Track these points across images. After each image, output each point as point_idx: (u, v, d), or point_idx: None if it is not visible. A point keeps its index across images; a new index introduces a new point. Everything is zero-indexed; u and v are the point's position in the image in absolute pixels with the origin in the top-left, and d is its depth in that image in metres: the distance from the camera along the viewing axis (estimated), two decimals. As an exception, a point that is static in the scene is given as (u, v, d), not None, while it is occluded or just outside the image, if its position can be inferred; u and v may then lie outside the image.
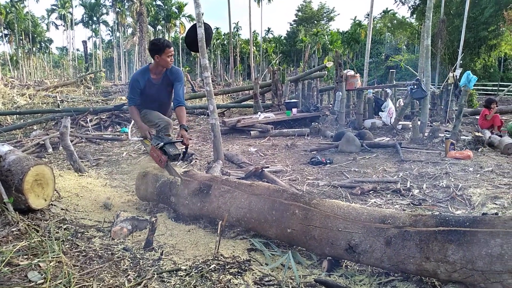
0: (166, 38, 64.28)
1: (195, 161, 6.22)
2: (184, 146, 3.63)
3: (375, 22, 54.10)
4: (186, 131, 3.65)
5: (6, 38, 60.83)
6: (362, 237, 2.30)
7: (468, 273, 1.95)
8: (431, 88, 10.78)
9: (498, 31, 30.53)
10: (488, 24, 30.32)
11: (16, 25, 56.79)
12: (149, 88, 3.89)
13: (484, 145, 6.94)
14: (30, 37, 60.37)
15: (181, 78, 3.93)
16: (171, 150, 3.41)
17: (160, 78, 3.88)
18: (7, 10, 57.04)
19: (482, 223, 2.02)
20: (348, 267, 2.60)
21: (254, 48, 55.92)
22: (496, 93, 25.15)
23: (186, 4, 61.02)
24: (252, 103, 12.79)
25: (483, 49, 32.45)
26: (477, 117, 10.21)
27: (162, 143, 3.40)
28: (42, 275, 2.22)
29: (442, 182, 4.77)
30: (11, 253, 2.40)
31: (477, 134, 7.38)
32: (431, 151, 6.70)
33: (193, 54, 62.22)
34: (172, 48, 3.76)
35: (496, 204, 3.90)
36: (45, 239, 2.67)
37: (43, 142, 7.34)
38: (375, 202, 4.16)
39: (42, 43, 68.79)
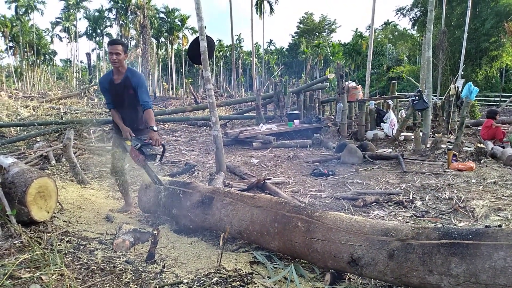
0: (169, 50, 65.08)
1: (197, 173, 6.23)
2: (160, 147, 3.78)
3: (376, 33, 54.41)
4: (156, 132, 3.74)
5: (11, 50, 61.48)
6: (365, 250, 2.29)
7: (472, 286, 1.93)
8: (433, 99, 10.80)
9: (499, 42, 30.70)
10: (489, 36, 30.51)
11: (21, 38, 57.43)
12: (111, 89, 4.00)
13: (486, 156, 6.93)
14: (35, 49, 60.96)
15: (143, 83, 3.96)
16: (148, 150, 3.61)
17: (120, 79, 3.95)
18: (13, 23, 57.78)
19: (485, 236, 2.01)
20: (351, 280, 2.58)
21: (256, 59, 56.26)
22: (498, 104, 25.15)
23: (189, 17, 61.60)
24: (254, 114, 12.83)
25: (484, 60, 32.60)
26: (480, 128, 10.21)
27: (140, 144, 3.62)
28: (44, 288, 2.22)
29: (445, 193, 4.75)
30: (13, 266, 2.40)
31: (479, 145, 7.37)
32: (433, 163, 6.69)
33: (195, 66, 62.64)
34: (114, 46, 3.78)
35: (499, 216, 3.88)
36: (48, 252, 2.67)
37: (46, 154, 7.36)
38: (377, 214, 4.14)
39: (46, 55, 69.40)
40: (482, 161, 6.68)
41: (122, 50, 3.84)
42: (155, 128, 3.74)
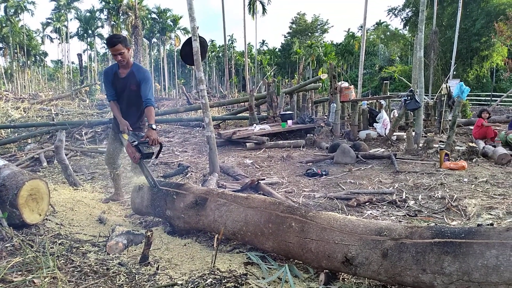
0: (161, 50, 64.84)
1: (191, 174, 6.21)
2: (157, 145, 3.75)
3: (368, 34, 54.76)
4: (154, 130, 3.67)
5: (1, 51, 60.88)
6: (359, 249, 2.30)
7: (465, 284, 1.95)
8: (424, 99, 10.88)
9: (489, 42, 31.04)
10: (479, 36, 30.86)
11: (11, 39, 56.87)
12: (116, 82, 4.01)
13: (478, 155, 7.00)
14: (25, 50, 60.38)
15: (148, 79, 3.92)
16: (144, 148, 3.57)
17: (126, 73, 3.96)
18: (2, 23, 57.19)
19: (477, 234, 2.03)
20: (345, 280, 2.59)
21: (249, 60, 56.28)
22: (489, 103, 25.41)
23: (181, 17, 61.52)
24: (248, 115, 12.83)
25: (475, 60, 32.96)
26: (471, 127, 10.30)
27: (137, 142, 3.56)
28: (36, 291, 2.19)
29: (437, 193, 4.79)
30: (5, 269, 2.37)
31: (471, 144, 7.44)
32: (426, 162, 6.74)
33: (188, 67, 62.48)
34: (115, 47, 3.76)
35: (491, 214, 3.92)
36: (40, 255, 2.64)
37: (37, 156, 7.29)
38: (371, 213, 4.16)
39: (37, 56, 68.81)
40: (474, 160, 6.74)
41: (124, 47, 3.82)
42: (153, 127, 3.68)
